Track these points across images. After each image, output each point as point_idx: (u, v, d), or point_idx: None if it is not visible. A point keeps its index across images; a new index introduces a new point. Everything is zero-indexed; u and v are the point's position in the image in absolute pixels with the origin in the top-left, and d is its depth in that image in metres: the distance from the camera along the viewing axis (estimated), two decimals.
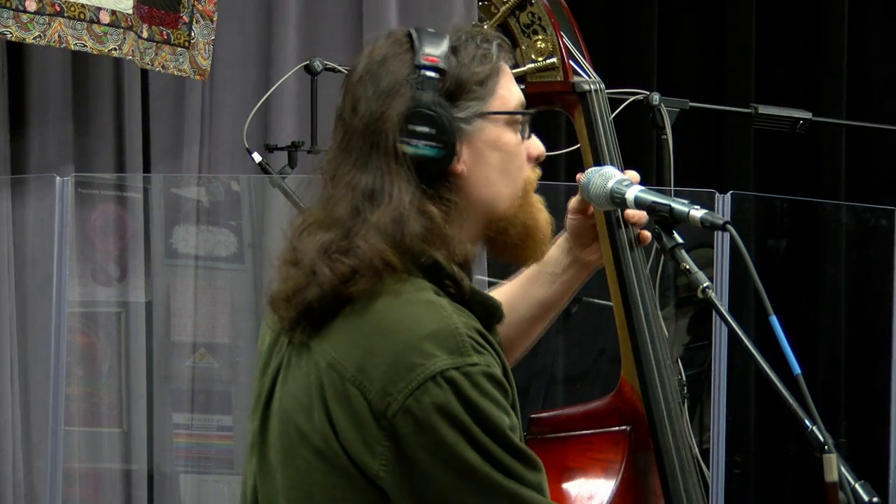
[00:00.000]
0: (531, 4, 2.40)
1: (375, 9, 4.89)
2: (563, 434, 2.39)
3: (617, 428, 2.37)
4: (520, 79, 2.42)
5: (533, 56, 2.40)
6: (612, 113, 4.21)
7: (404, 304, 2.02)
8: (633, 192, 2.26)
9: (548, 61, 2.40)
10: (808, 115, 4.69)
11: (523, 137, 2.17)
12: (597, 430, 2.38)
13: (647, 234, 2.41)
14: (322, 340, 2.04)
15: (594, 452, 2.36)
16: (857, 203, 5.36)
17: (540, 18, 2.39)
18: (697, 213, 2.18)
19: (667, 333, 4.46)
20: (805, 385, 2.04)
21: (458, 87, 2.09)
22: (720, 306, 2.17)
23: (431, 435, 1.95)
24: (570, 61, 2.40)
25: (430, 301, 2.02)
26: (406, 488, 1.98)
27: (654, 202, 2.23)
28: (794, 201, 5.37)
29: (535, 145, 2.19)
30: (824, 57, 5.89)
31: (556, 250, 2.45)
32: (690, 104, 4.45)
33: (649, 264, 4.22)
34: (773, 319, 2.07)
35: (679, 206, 2.20)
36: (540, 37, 2.40)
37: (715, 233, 3.46)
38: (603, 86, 2.43)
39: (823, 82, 5.87)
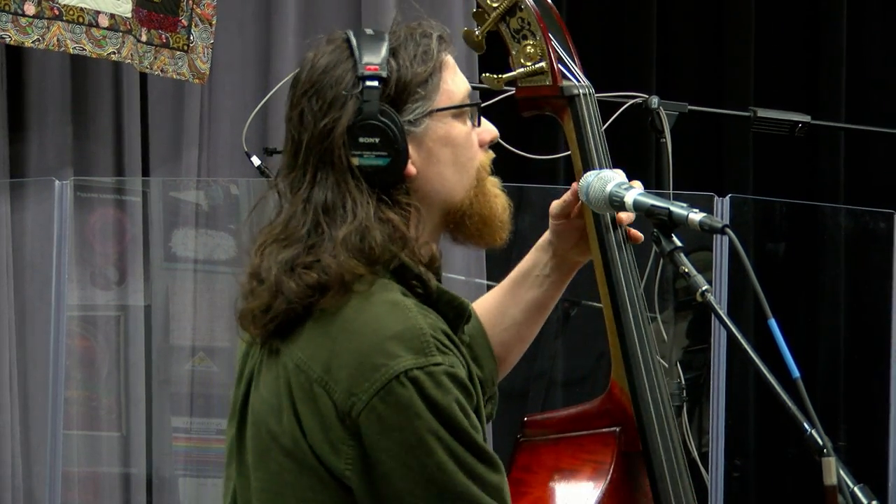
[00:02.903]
0: (520, 10, 2.40)
1: (374, 12, 4.89)
2: (555, 436, 2.40)
3: (607, 429, 2.38)
4: (510, 83, 2.43)
5: (522, 61, 2.40)
6: (612, 116, 4.23)
7: (370, 306, 2.03)
8: (632, 195, 2.26)
9: (537, 66, 2.39)
10: (807, 119, 4.69)
11: (474, 125, 2.18)
12: (587, 432, 2.39)
13: (638, 233, 2.41)
14: (291, 343, 2.07)
15: (585, 454, 2.37)
16: (856, 206, 5.36)
17: (529, 24, 2.39)
18: (696, 216, 2.18)
19: (665, 337, 4.47)
20: (804, 388, 2.04)
21: (402, 91, 2.11)
22: (719, 310, 2.17)
23: (395, 434, 1.98)
24: (559, 65, 2.40)
25: (396, 302, 2.04)
26: (369, 487, 2.00)
27: (652, 206, 2.23)
28: (793, 205, 5.37)
29: (487, 130, 2.21)
30: (823, 60, 5.89)
31: (540, 252, 2.47)
32: (689, 107, 4.45)
33: (648, 268, 4.23)
34: (772, 323, 2.07)
35: (678, 209, 2.20)
36: (529, 42, 2.40)
37: (714, 236, 3.47)
38: (592, 90, 2.42)
39: (822, 85, 5.87)
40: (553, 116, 2.45)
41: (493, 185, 2.20)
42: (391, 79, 2.10)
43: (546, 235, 2.46)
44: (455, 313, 2.12)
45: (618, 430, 2.38)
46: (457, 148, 2.15)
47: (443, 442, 1.98)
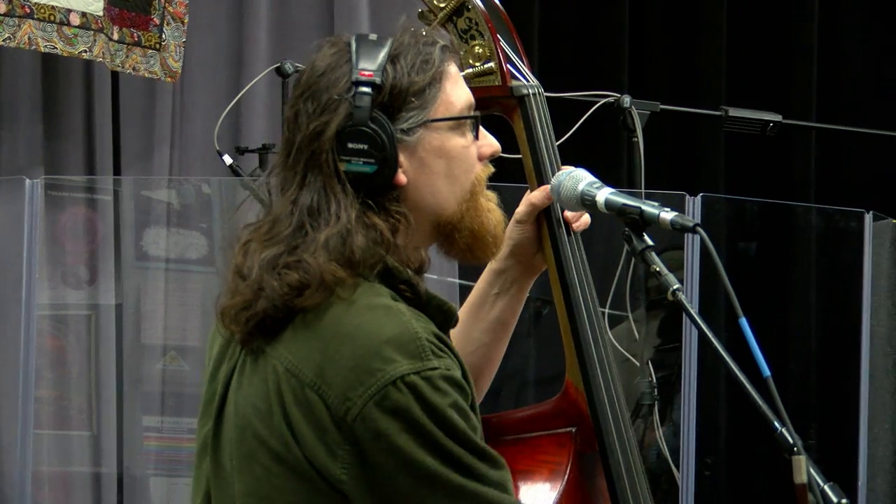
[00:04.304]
0: (468, 10, 2.38)
1: (347, 11, 4.89)
2: (510, 437, 2.38)
3: (562, 430, 2.37)
4: None
5: (471, 61, 2.39)
6: (584, 116, 4.23)
7: (363, 310, 2.01)
8: (604, 194, 2.26)
9: (485, 66, 2.38)
10: (779, 118, 4.70)
11: (475, 137, 2.15)
12: (543, 433, 2.37)
13: (584, 219, 2.40)
14: (277, 344, 2.04)
15: (541, 455, 2.35)
16: (828, 206, 5.38)
17: (477, 24, 2.38)
18: (668, 215, 2.18)
19: (637, 336, 4.48)
20: (775, 387, 2.04)
21: (397, 99, 2.07)
22: (690, 309, 2.16)
23: (391, 439, 1.95)
24: (508, 65, 2.39)
25: (389, 306, 2.02)
26: (368, 492, 1.98)
27: (624, 204, 2.23)
28: (765, 204, 5.38)
29: (488, 143, 2.17)
30: (795, 60, 5.90)
31: (499, 268, 2.42)
32: (661, 107, 4.46)
33: (620, 267, 4.23)
34: (743, 322, 2.07)
35: (649, 208, 2.20)
36: (477, 42, 2.38)
37: (685, 235, 3.48)
38: (541, 89, 2.42)
39: (794, 85, 5.88)
40: (502, 117, 2.44)
41: (488, 199, 2.17)
42: (386, 86, 2.07)
43: (503, 250, 2.38)
44: (444, 317, 2.10)
45: (573, 430, 2.37)
46: (451, 160, 2.12)
47: (441, 445, 1.96)
